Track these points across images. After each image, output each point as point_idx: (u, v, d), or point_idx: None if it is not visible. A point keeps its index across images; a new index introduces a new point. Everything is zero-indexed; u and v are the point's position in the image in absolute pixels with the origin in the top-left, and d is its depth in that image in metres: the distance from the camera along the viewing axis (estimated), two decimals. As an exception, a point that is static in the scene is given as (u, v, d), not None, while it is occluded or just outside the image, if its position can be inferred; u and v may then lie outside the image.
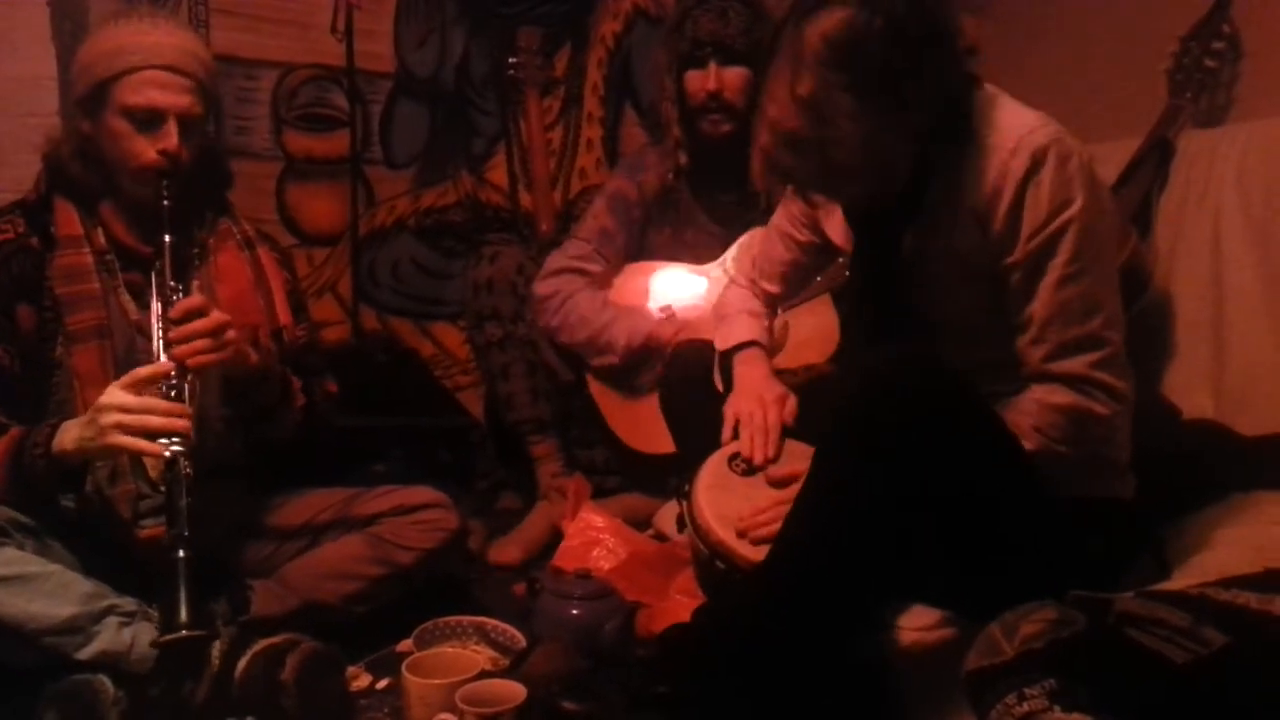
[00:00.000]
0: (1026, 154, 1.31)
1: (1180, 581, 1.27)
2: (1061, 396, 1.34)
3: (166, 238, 1.63)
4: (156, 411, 1.51)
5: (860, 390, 1.29)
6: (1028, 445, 1.33)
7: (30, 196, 1.75)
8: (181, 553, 1.47)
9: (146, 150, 1.66)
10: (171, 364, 1.56)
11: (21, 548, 1.53)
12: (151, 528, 1.64)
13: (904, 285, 1.46)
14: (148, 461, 1.66)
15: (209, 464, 1.65)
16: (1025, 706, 1.02)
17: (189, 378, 1.58)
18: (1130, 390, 1.37)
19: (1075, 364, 1.34)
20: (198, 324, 1.59)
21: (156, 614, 1.53)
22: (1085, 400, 1.34)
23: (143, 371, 1.55)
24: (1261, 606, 1.07)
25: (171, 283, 1.62)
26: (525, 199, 2.95)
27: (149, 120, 1.66)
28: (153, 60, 1.66)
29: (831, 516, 1.26)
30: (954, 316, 1.42)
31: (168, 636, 1.43)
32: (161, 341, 1.59)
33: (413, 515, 1.83)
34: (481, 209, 2.98)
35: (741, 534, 1.45)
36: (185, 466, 1.51)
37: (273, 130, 2.76)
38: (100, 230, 1.73)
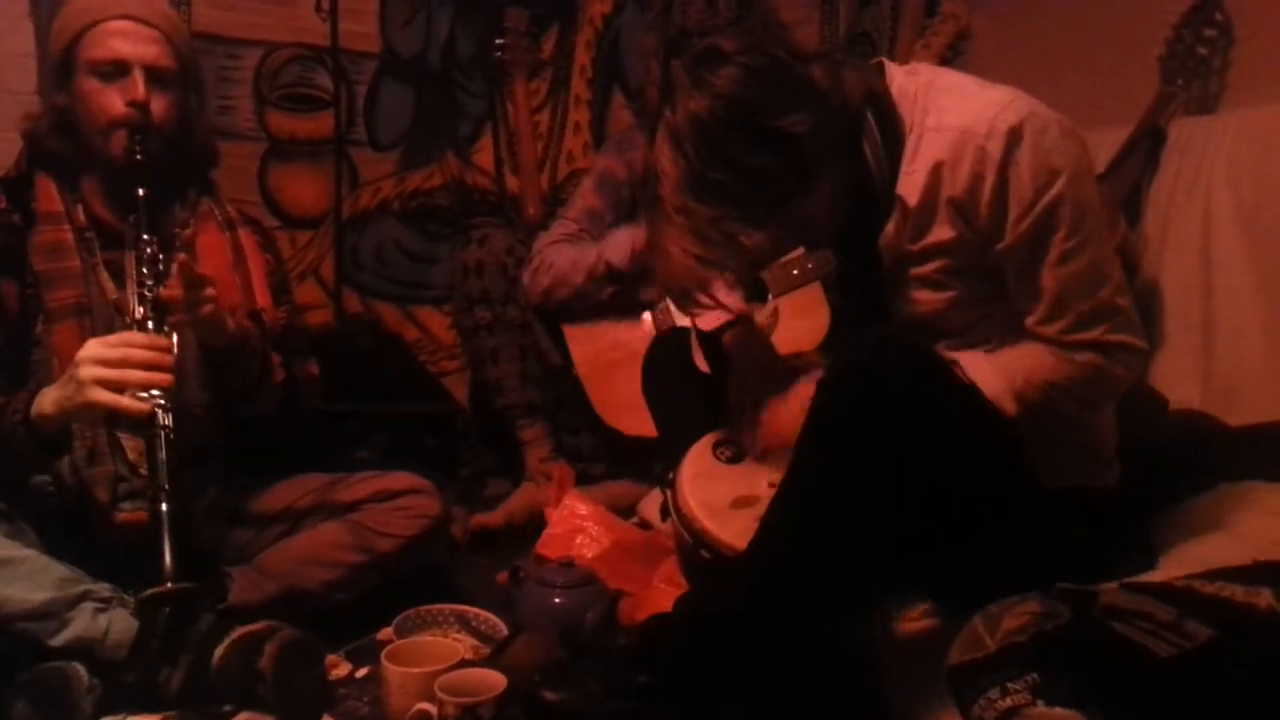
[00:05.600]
0: (1001, 135, 1.27)
1: (1166, 572, 1.27)
2: (1085, 356, 1.32)
3: (140, 191, 1.62)
4: (135, 361, 1.48)
5: (843, 374, 1.27)
6: (1030, 401, 1.30)
7: (12, 173, 1.74)
8: (164, 506, 1.45)
9: (115, 103, 1.65)
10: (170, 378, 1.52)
11: (-6, 532, 1.51)
12: (130, 512, 1.63)
13: (886, 288, 1.42)
14: (127, 445, 1.65)
15: (188, 449, 1.63)
16: (1008, 701, 1.01)
17: (169, 332, 1.57)
18: (1145, 345, 1.36)
19: (1094, 333, 1.32)
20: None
21: (132, 601, 1.51)
22: (1108, 362, 1.32)
23: (136, 353, 1.50)
24: (1248, 599, 1.06)
25: (145, 235, 1.61)
26: (512, 182, 2.92)
27: (114, 72, 1.66)
28: (113, 10, 1.67)
29: (815, 504, 1.25)
30: (942, 311, 1.39)
31: (153, 590, 1.41)
32: (136, 298, 1.58)
33: (395, 501, 1.81)
34: (467, 192, 2.94)
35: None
36: (165, 419, 1.49)
37: (255, 110, 2.70)
38: (80, 207, 1.72)
